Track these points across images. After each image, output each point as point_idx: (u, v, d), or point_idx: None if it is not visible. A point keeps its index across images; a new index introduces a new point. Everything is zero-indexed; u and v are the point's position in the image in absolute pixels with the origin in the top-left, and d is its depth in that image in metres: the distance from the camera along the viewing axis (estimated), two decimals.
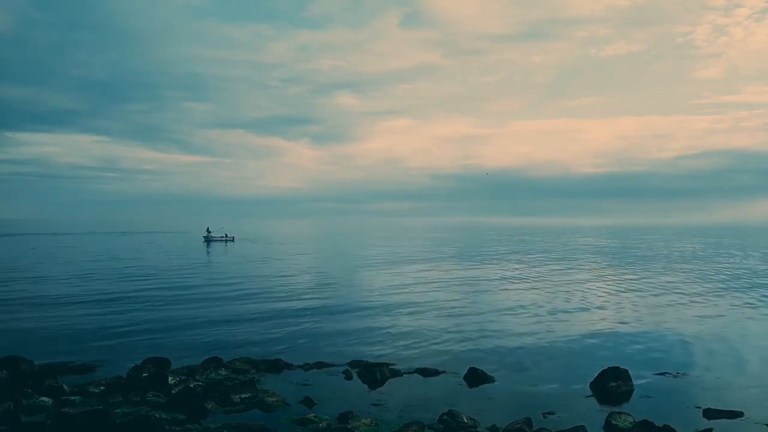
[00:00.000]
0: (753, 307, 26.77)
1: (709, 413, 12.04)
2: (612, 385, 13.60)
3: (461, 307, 26.71)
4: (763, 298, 29.63)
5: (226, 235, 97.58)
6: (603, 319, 23.47)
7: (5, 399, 11.64)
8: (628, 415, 11.48)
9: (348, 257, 63.78)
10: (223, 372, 14.80)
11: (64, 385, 13.06)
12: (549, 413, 12.09)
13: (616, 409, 12.11)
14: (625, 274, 42.68)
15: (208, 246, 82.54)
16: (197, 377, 14.23)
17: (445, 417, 11.26)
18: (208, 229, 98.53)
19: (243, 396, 12.69)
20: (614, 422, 11.12)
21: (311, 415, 11.55)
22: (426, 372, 15.36)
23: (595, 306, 26.97)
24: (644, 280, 37.93)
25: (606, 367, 14.24)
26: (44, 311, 24.51)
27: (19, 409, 11.37)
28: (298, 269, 46.21)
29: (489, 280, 38.68)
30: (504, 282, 37.28)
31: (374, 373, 14.69)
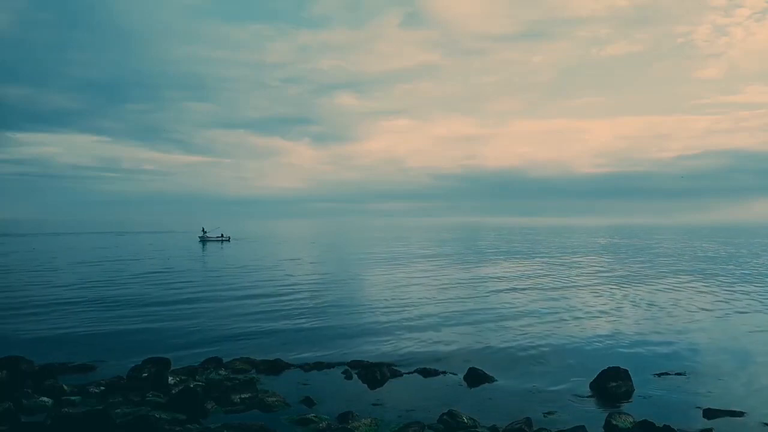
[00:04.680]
0: (757, 308, 26.76)
1: (709, 413, 12.05)
2: (612, 385, 13.60)
3: (461, 307, 26.68)
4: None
5: (222, 235, 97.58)
6: (603, 319, 23.47)
7: (5, 399, 11.63)
8: (628, 415, 11.48)
9: (347, 257, 63.73)
10: (223, 372, 14.80)
11: (64, 385, 13.07)
12: (549, 413, 12.09)
13: (616, 409, 12.12)
14: (624, 273, 42.67)
15: (203, 246, 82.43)
16: (197, 377, 14.22)
17: (445, 417, 11.25)
18: (203, 229, 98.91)
19: (243, 396, 12.69)
20: (614, 422, 11.12)
21: (311, 415, 11.54)
22: (426, 372, 15.36)
23: (595, 305, 26.96)
24: (645, 280, 37.90)
25: (606, 367, 14.25)
26: (44, 311, 24.48)
27: (19, 409, 11.36)
28: (297, 270, 46.18)
29: (489, 280, 38.66)
30: (504, 282, 37.26)
31: (374, 373, 14.69)
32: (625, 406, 12.60)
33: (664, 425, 10.64)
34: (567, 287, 34.16)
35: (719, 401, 12.80)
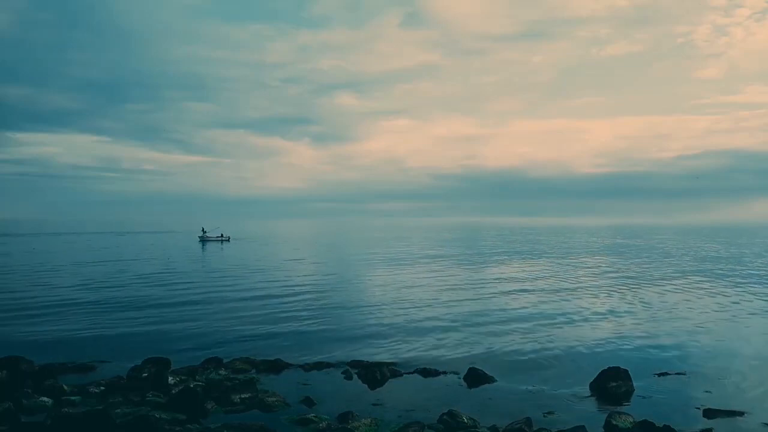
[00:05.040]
0: (763, 308, 26.73)
1: (709, 413, 12.05)
2: (612, 385, 13.59)
3: (461, 307, 26.68)
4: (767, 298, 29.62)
5: (222, 235, 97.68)
6: (604, 320, 23.46)
7: (5, 399, 11.63)
8: (628, 415, 11.48)
9: (347, 258, 63.72)
10: (223, 372, 14.81)
11: (64, 385, 13.07)
12: (549, 413, 12.09)
13: (616, 409, 12.11)
14: (626, 274, 42.65)
15: (203, 246, 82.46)
16: (197, 377, 14.23)
17: (445, 417, 11.25)
18: (203, 229, 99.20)
19: (243, 396, 12.69)
20: (614, 422, 11.11)
21: (311, 415, 11.54)
22: (426, 372, 15.36)
23: (596, 306, 26.94)
24: (647, 280, 37.89)
25: (606, 367, 14.25)
26: (44, 312, 24.48)
27: (19, 409, 11.36)
28: (297, 270, 46.19)
29: (490, 280, 38.65)
30: (505, 282, 37.25)
31: (374, 373, 14.68)
32: (625, 406, 12.59)
33: (664, 425, 10.64)
34: (568, 288, 34.13)
35: (719, 401, 12.79)
